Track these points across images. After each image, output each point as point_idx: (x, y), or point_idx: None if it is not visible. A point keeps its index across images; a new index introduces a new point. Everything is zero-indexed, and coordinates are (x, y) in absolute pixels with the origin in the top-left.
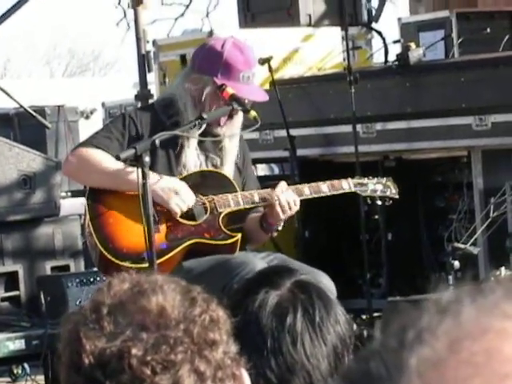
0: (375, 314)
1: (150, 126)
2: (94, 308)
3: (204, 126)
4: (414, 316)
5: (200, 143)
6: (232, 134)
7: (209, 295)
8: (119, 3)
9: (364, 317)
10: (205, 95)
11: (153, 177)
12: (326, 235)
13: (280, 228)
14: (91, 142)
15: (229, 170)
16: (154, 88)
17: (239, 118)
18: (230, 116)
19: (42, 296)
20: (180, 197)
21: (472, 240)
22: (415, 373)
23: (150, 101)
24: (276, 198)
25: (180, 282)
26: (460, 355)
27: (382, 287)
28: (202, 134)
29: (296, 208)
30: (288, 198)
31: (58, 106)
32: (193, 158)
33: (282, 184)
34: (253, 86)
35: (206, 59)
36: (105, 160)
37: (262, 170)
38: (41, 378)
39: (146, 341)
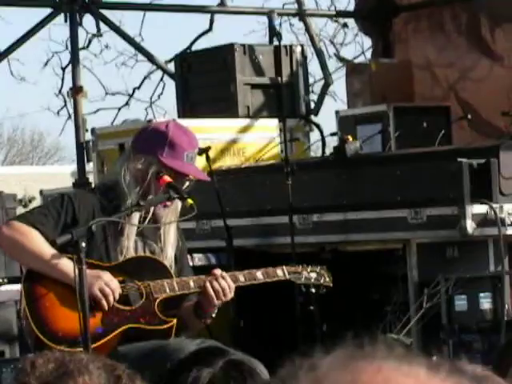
0: None
1: (89, 209)
2: None
3: (145, 212)
4: None
5: (139, 229)
6: (171, 220)
7: (133, 372)
8: (60, 92)
9: None
10: (150, 175)
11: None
12: (261, 325)
13: (214, 315)
14: (27, 217)
15: (168, 257)
16: (92, 177)
17: (177, 206)
18: (170, 202)
19: None
20: (103, 281)
21: (405, 330)
22: None
23: None
24: (209, 284)
25: (105, 360)
26: None
27: None
28: (143, 218)
29: (230, 294)
30: (222, 283)
31: None
32: (131, 244)
33: (217, 270)
34: (195, 166)
35: (149, 139)
36: (39, 243)
37: (198, 259)
38: None
39: None
